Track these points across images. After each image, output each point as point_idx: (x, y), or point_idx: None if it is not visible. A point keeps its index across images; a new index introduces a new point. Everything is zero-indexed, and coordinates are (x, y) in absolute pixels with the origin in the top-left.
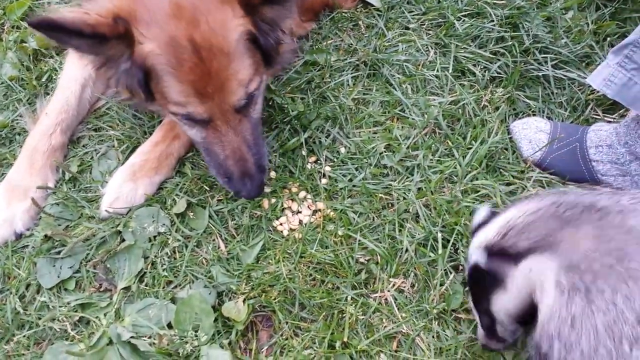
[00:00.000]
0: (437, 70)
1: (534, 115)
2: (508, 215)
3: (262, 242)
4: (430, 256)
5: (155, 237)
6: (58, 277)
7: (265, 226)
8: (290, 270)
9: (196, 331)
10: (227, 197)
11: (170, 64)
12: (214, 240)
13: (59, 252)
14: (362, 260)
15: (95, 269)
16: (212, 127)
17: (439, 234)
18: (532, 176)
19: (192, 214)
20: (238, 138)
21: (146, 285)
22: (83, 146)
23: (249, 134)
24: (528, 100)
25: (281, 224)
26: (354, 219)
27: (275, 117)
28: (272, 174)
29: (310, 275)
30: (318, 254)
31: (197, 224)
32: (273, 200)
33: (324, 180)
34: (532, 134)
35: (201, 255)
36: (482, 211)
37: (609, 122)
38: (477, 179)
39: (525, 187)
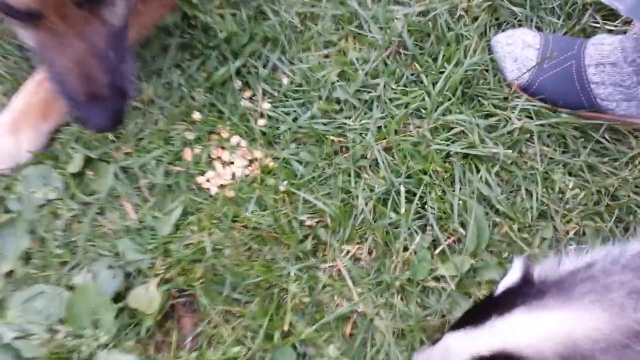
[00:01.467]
0: None
1: (520, 26)
2: (564, 318)
3: (183, 206)
4: (391, 217)
5: (44, 205)
6: None
7: (187, 184)
8: (219, 240)
9: (96, 328)
10: (138, 148)
11: None
12: (120, 205)
13: None
14: (308, 223)
15: None
16: (45, 26)
17: (402, 187)
18: (517, 104)
19: (92, 173)
20: (82, 44)
21: (35, 269)
22: None
23: (102, 43)
24: (513, 7)
25: (208, 180)
26: (299, 170)
27: (199, 41)
28: (196, 115)
29: (245, 244)
30: (254, 218)
31: (99, 185)
32: (197, 150)
33: (261, 122)
34: (518, 50)
35: (105, 226)
36: (516, 270)
37: (611, 32)
38: (449, 112)
39: (509, 118)
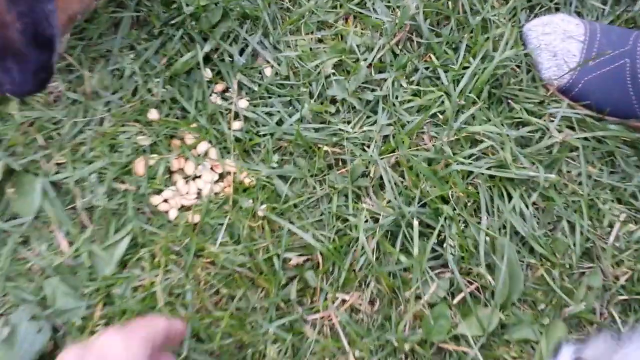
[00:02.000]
0: None
1: (557, 10)
2: None
3: (132, 236)
4: (400, 260)
5: None
6: None
7: (137, 206)
8: (177, 282)
9: None
10: (75, 157)
11: None
12: (51, 232)
13: None
14: (294, 261)
15: None
16: None
17: (415, 221)
18: (556, 111)
19: (12, 189)
20: None
21: None
22: None
23: None
24: None
25: (165, 201)
26: (283, 190)
27: (157, 17)
28: (153, 114)
29: (211, 287)
30: (224, 252)
31: (23, 207)
32: (153, 161)
33: (236, 124)
34: (558, 42)
35: (29, 261)
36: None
37: None
38: (473, 119)
39: (547, 129)
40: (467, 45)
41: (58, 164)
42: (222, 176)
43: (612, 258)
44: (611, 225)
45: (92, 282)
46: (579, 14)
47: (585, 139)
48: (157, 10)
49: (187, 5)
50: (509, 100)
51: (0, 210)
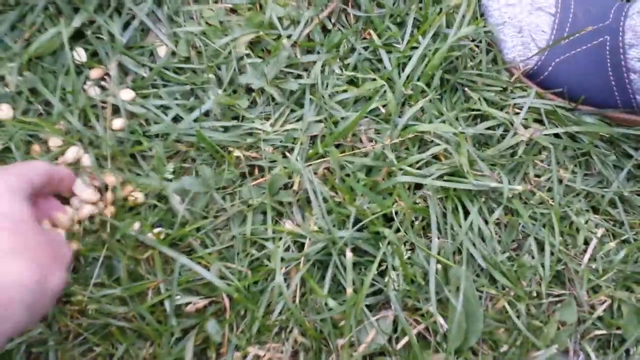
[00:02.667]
0: None
1: None
2: None
3: None
4: (329, 304)
5: None
6: None
7: None
8: (37, 337)
9: None
10: None
11: None
12: None
13: None
14: (192, 307)
15: None
16: None
17: (348, 251)
18: (522, 102)
19: None
20: None
21: None
22: None
23: None
24: None
25: None
26: (180, 209)
27: None
28: (5, 111)
29: (83, 343)
30: (97, 298)
31: None
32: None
33: (117, 122)
34: (525, 15)
35: None
36: None
37: None
38: (423, 114)
39: (510, 124)
40: (415, 19)
41: None
42: (99, 192)
43: (587, 283)
44: (587, 242)
45: None
46: None
47: (556, 135)
48: None
49: None
50: (465, 88)
51: None
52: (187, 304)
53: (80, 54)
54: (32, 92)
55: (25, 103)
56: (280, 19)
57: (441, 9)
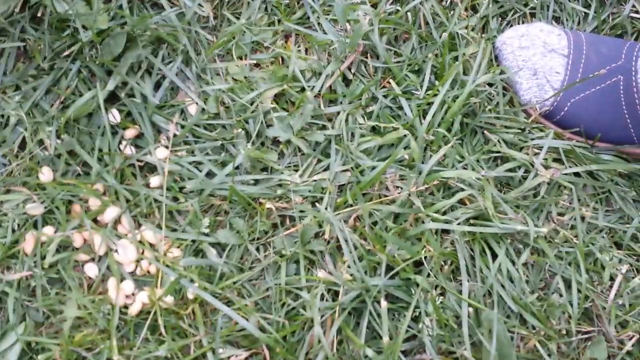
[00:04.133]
0: None
1: (533, 17)
2: None
3: (24, 341)
4: (367, 355)
5: None
6: None
7: (26, 300)
8: None
9: None
10: None
11: None
12: None
13: None
14: (235, 359)
15: None
16: None
17: (383, 299)
18: (540, 142)
19: None
20: None
21: None
22: None
23: None
24: None
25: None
26: (218, 263)
27: (49, 46)
28: (45, 174)
29: None
30: (143, 355)
31: None
32: (45, 237)
33: (155, 180)
34: (538, 57)
35: None
36: None
37: None
38: (444, 159)
39: (531, 165)
40: (432, 66)
41: None
42: (140, 252)
43: (615, 319)
44: (612, 278)
45: None
46: (557, 21)
47: (576, 174)
48: (45, 37)
49: (85, 29)
50: (484, 131)
51: None
52: (229, 357)
53: (114, 115)
54: (71, 154)
55: (64, 165)
56: (302, 72)
57: (457, 57)
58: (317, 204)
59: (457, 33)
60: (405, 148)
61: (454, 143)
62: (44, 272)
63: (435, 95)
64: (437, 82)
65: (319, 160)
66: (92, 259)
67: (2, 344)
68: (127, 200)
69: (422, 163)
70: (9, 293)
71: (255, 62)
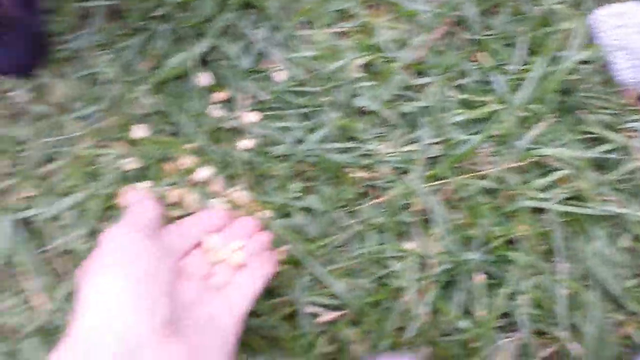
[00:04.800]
0: None
1: None
2: None
3: None
4: (460, 326)
5: None
6: None
7: None
8: None
9: None
10: (48, 187)
11: None
12: (20, 282)
13: None
14: (324, 317)
15: None
16: None
17: (481, 273)
18: (635, 125)
19: None
20: None
21: None
22: None
23: None
24: None
25: None
26: (307, 226)
27: (140, 7)
28: (139, 131)
29: None
30: None
31: None
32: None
33: (244, 143)
34: (633, 36)
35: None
36: None
37: None
38: (542, 138)
39: (625, 148)
40: (524, 41)
41: (27, 198)
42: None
43: None
44: None
45: None
46: None
47: None
48: None
49: None
50: (577, 111)
51: None
52: (316, 314)
53: (205, 78)
54: (160, 114)
55: (156, 124)
56: (389, 42)
57: (550, 33)
58: (405, 175)
59: (553, 9)
60: (495, 123)
61: (550, 120)
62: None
63: (528, 71)
64: (529, 57)
65: (407, 132)
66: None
67: None
68: (218, 162)
69: (517, 141)
70: None
71: (341, 31)
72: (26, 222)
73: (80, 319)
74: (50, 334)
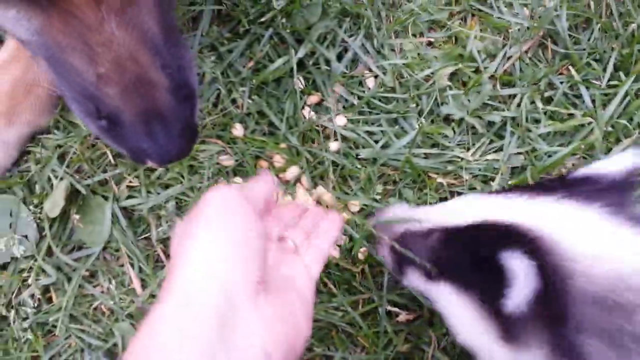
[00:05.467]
0: None
1: None
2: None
3: None
4: None
5: (6, 264)
6: None
7: None
8: None
9: None
10: (150, 180)
11: None
12: (121, 267)
13: None
14: (402, 317)
15: None
16: (62, 11)
17: None
18: None
19: (78, 215)
20: (127, 34)
21: None
22: None
23: (154, 25)
24: None
25: None
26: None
27: (243, 12)
28: (237, 129)
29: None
30: (318, 304)
31: (90, 236)
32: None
33: (333, 145)
34: None
35: (97, 300)
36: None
37: None
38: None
39: None
40: (616, 58)
41: (130, 187)
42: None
43: None
44: None
45: None
46: None
47: None
48: (243, 4)
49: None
50: None
51: (63, 240)
52: (395, 314)
53: (301, 82)
54: (260, 114)
55: (254, 124)
56: (480, 52)
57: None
58: (489, 181)
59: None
60: (582, 137)
61: (637, 136)
62: None
63: (616, 86)
64: (618, 73)
65: (492, 141)
66: None
67: None
68: (309, 161)
69: (604, 155)
70: None
71: (432, 40)
72: (128, 211)
73: (181, 271)
74: (143, 317)
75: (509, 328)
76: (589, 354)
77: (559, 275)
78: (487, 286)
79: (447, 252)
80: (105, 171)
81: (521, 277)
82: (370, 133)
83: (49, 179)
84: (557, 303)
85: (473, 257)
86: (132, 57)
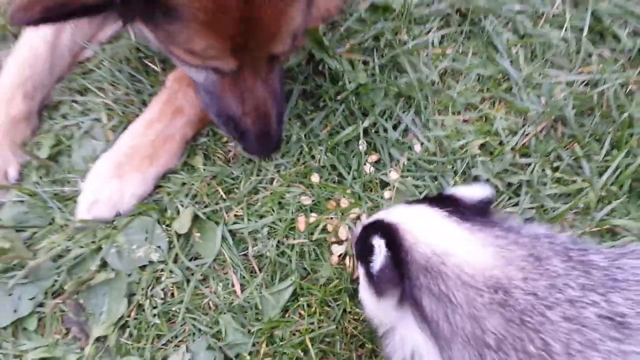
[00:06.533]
0: (565, 30)
1: None
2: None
3: (294, 286)
4: None
5: (145, 266)
6: (15, 311)
7: (298, 260)
8: (327, 332)
9: None
10: (250, 211)
11: (204, 7)
12: (226, 274)
13: (15, 275)
14: None
15: (64, 304)
16: (233, 77)
17: None
18: None
19: (198, 234)
20: (265, 91)
21: (130, 337)
22: (62, 116)
23: (277, 83)
24: None
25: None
26: None
27: (324, 91)
28: (315, 177)
29: (358, 340)
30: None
31: (205, 249)
32: (312, 220)
33: (387, 194)
34: None
35: (207, 298)
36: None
37: None
38: (615, 212)
39: None
40: (611, 139)
41: (236, 215)
42: None
43: None
44: None
45: (259, 322)
46: None
47: None
48: (322, 86)
49: (350, 82)
50: None
51: (185, 251)
52: None
53: (364, 145)
54: (332, 167)
55: (327, 174)
56: (504, 129)
57: (632, 134)
58: None
59: (635, 117)
60: (581, 198)
61: (622, 200)
62: (310, 243)
63: (611, 161)
64: (615, 150)
65: (510, 197)
66: (338, 242)
67: (281, 284)
68: (367, 205)
69: (596, 212)
70: (291, 255)
71: (466, 119)
72: (233, 233)
73: None
74: (243, 311)
75: (377, 285)
76: (425, 307)
77: (402, 249)
78: (366, 259)
79: (359, 240)
80: (217, 203)
81: (377, 249)
82: (416, 186)
83: (177, 207)
84: (400, 268)
85: (363, 240)
86: (264, 103)
